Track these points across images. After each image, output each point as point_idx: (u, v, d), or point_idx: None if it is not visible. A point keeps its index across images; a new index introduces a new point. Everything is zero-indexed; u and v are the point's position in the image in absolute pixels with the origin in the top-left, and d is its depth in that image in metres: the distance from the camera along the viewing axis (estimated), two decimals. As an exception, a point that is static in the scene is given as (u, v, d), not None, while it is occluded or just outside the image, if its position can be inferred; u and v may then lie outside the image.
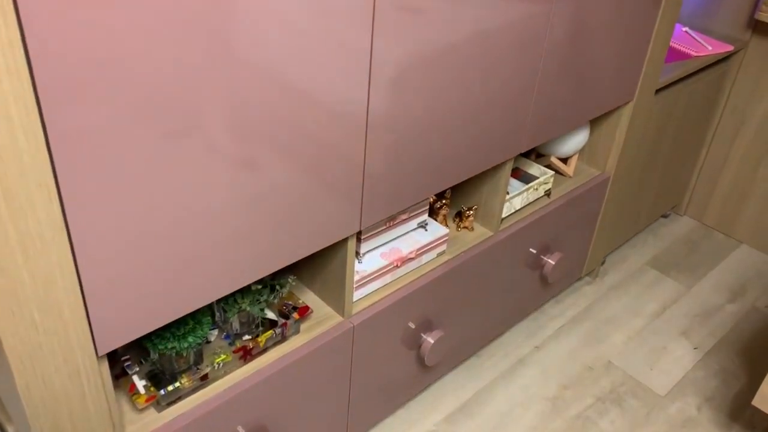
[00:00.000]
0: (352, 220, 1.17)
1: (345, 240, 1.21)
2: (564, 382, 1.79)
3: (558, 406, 1.73)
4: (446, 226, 1.57)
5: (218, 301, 1.21)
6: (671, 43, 2.03)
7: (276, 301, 1.25)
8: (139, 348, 1.16)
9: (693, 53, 1.97)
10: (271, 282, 1.23)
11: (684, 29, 2.14)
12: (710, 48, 2.01)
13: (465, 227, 1.59)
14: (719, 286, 2.17)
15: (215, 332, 1.24)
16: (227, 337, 1.23)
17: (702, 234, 2.42)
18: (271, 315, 1.28)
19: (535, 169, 1.74)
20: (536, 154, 1.83)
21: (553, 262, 1.78)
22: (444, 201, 1.53)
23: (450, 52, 1.16)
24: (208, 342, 1.23)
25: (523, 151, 1.48)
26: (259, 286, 1.22)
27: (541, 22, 1.30)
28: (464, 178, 1.37)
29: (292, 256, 1.12)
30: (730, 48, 2.04)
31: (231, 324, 1.22)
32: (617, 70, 1.61)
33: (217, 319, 1.23)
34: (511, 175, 1.72)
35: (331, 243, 1.17)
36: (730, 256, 2.32)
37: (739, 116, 2.24)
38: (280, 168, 1.00)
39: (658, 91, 1.85)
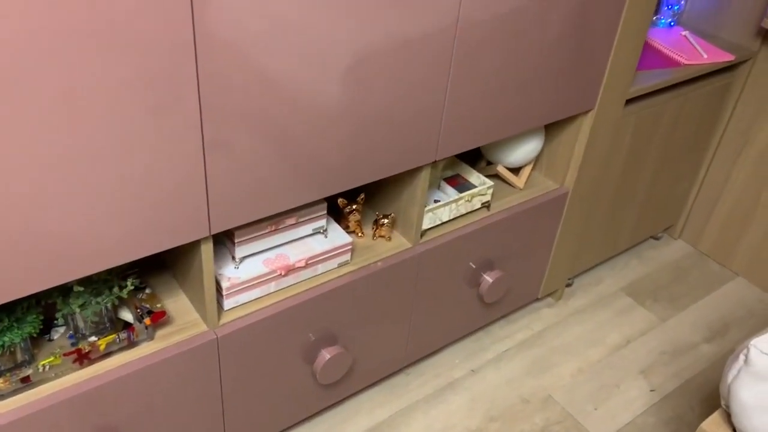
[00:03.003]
0: (198, 223, 1.05)
1: (198, 242, 1.09)
2: (492, 414, 1.63)
3: (480, 440, 1.57)
4: (360, 233, 1.43)
5: (64, 296, 1.11)
6: (662, 48, 1.82)
7: (129, 300, 1.15)
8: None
9: (684, 61, 1.75)
10: (111, 282, 1.12)
11: (683, 33, 1.91)
12: (706, 56, 1.78)
13: (381, 236, 1.44)
14: (699, 322, 1.96)
15: (61, 330, 1.15)
16: (71, 336, 1.13)
17: (694, 261, 2.19)
18: (128, 317, 1.18)
19: (475, 177, 1.57)
20: (486, 162, 1.67)
21: (490, 280, 1.61)
22: (355, 206, 1.39)
23: (350, 52, 1.02)
24: (51, 340, 1.14)
25: (438, 159, 1.32)
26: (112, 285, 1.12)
27: (447, 21, 1.14)
28: (358, 184, 1.23)
29: (131, 254, 1.01)
30: (731, 57, 1.81)
31: (75, 323, 1.12)
32: (570, 75, 1.43)
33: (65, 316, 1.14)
34: (450, 183, 1.57)
35: (179, 244, 1.05)
36: (721, 289, 2.09)
37: (744, 134, 2.00)
38: (122, 157, 0.89)
39: (631, 100, 1.65)
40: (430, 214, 1.44)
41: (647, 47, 1.82)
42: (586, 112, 1.55)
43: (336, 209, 1.41)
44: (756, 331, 1.94)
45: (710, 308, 2.01)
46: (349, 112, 1.13)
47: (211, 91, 0.95)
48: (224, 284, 1.20)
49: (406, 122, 1.22)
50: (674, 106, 1.78)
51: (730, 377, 1.19)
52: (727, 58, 1.80)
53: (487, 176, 1.66)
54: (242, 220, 1.11)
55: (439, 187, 1.57)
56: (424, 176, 1.35)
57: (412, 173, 1.36)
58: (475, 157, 1.70)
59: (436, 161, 1.33)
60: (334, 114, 1.11)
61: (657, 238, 2.27)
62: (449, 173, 1.60)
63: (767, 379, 1.13)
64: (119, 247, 0.99)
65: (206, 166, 1.00)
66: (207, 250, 1.10)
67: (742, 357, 1.17)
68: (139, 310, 1.17)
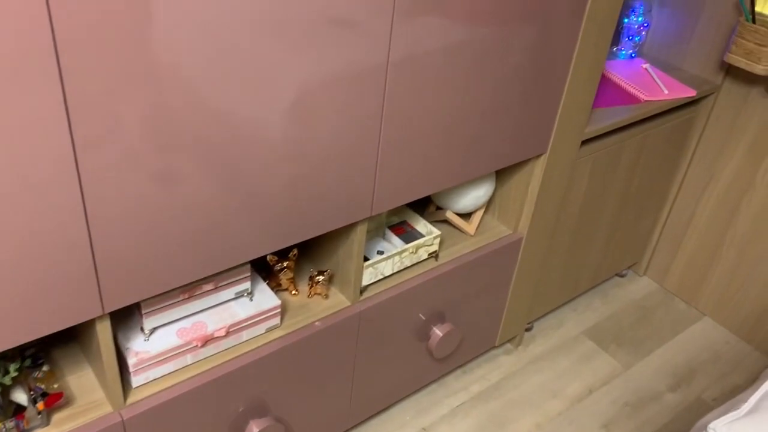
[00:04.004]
0: (87, 301, 0.92)
1: (93, 321, 0.97)
2: (443, 478, 1.52)
3: (429, 508, 1.46)
4: (294, 290, 1.31)
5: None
6: (621, 83, 1.73)
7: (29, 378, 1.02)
8: None
9: (644, 97, 1.67)
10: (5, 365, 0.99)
11: (644, 65, 1.83)
12: (667, 92, 1.70)
13: (317, 293, 1.33)
14: (664, 368, 1.86)
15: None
16: (-47, 425, 1.00)
17: (660, 300, 2.10)
18: (22, 398, 1.05)
19: (422, 225, 1.46)
20: (436, 206, 1.56)
21: (440, 335, 1.50)
22: (286, 263, 1.27)
23: (279, 98, 0.90)
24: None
25: (374, 214, 1.21)
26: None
27: (375, 61, 1.03)
28: (282, 247, 1.11)
29: (18, 338, 0.88)
30: (692, 93, 1.72)
31: (-45, 411, 0.99)
32: (518, 119, 1.33)
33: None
34: (396, 231, 1.45)
35: (63, 328, 0.92)
36: (687, 331, 2.00)
37: (708, 170, 1.92)
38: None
39: (588, 140, 1.56)
40: (371, 269, 1.33)
41: (606, 82, 1.74)
42: (538, 156, 1.45)
43: (266, 265, 1.29)
44: (721, 377, 1.85)
45: (675, 352, 1.92)
46: (272, 169, 1.01)
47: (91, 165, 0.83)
48: (131, 360, 1.07)
49: (335, 175, 1.10)
50: (634, 143, 1.69)
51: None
52: (689, 93, 1.72)
53: (437, 222, 1.55)
54: (144, 294, 0.98)
55: (384, 236, 1.46)
56: (361, 231, 1.23)
57: (347, 228, 1.25)
58: (425, 201, 1.59)
59: (372, 216, 1.22)
60: (256, 170, 0.99)
61: (622, 276, 2.18)
62: (395, 220, 1.49)
63: (730, 460, 1.03)
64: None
65: (91, 233, 0.88)
66: (104, 329, 0.97)
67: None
68: (32, 393, 1.03)
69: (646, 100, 1.66)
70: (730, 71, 1.79)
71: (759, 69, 1.63)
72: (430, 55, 1.09)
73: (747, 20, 1.64)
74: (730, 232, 1.92)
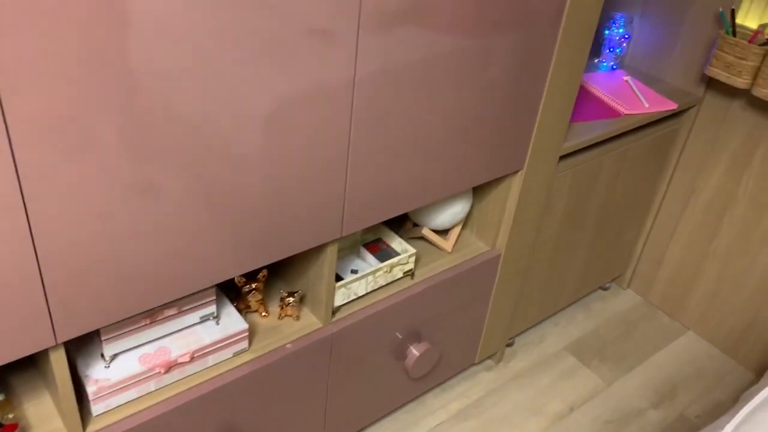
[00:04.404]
0: (37, 330, 0.89)
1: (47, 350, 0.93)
2: (420, 501, 1.49)
3: None
4: (264, 312, 1.28)
5: None
6: (601, 96, 1.71)
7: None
8: None
9: (624, 111, 1.64)
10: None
11: (625, 78, 1.81)
12: (647, 105, 1.68)
13: (288, 315, 1.29)
14: (646, 385, 1.84)
15: None
16: None
17: (643, 314, 2.08)
18: (-25, 429, 1.01)
19: (397, 243, 1.43)
20: (413, 223, 1.53)
21: (416, 354, 1.47)
22: (255, 284, 1.23)
23: (247, 116, 0.87)
24: None
25: (345, 234, 1.18)
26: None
27: (341, 76, 1.00)
28: (249, 270, 1.08)
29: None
30: (673, 106, 1.70)
31: None
32: (493, 136, 1.30)
33: None
34: (370, 249, 1.42)
35: (10, 360, 0.89)
36: (671, 346, 1.97)
37: (690, 183, 1.90)
38: None
39: (566, 156, 1.53)
40: (343, 289, 1.29)
41: (586, 95, 1.71)
42: (515, 172, 1.42)
43: (235, 286, 1.26)
44: (705, 393, 1.82)
45: (658, 367, 1.90)
46: (236, 190, 0.98)
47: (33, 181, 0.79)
48: (90, 388, 1.03)
49: (302, 196, 1.07)
50: (615, 157, 1.67)
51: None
52: (670, 107, 1.70)
53: (414, 238, 1.53)
54: (101, 322, 0.95)
55: (358, 254, 1.43)
56: (331, 251, 1.20)
57: (317, 248, 1.21)
58: (402, 217, 1.56)
59: (342, 237, 1.19)
60: (219, 191, 0.96)
61: (605, 289, 2.15)
62: (370, 237, 1.46)
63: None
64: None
65: (40, 262, 0.84)
66: (58, 359, 0.94)
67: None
68: (-15, 424, 1.00)
69: (627, 114, 1.64)
70: (712, 84, 1.77)
71: (739, 82, 1.61)
72: (401, 71, 1.06)
73: (727, 33, 1.62)
74: (714, 245, 1.90)
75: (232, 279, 1.24)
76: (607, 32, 1.84)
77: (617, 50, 1.85)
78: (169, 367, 1.11)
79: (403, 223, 1.55)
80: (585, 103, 1.67)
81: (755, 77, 1.59)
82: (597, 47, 1.91)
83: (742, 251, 1.84)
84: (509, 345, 1.89)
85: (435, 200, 1.30)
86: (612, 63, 1.87)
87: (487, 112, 1.26)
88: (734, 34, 1.62)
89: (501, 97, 1.25)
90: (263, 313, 1.28)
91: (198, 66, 0.84)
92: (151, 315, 1.07)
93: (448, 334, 1.58)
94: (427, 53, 1.08)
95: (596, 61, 1.90)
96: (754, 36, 1.58)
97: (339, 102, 1.01)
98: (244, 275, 1.25)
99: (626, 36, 1.84)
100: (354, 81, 1.01)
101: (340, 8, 0.93)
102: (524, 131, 1.36)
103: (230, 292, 1.27)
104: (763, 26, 1.60)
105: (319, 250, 1.21)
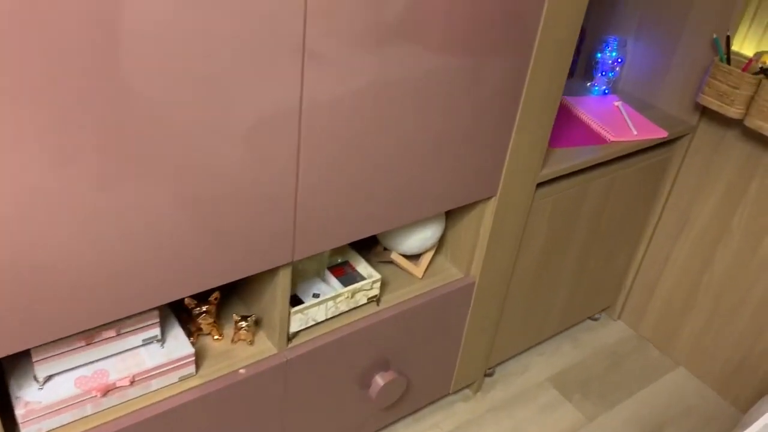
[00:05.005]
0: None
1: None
2: None
3: None
4: (218, 335, 1.24)
5: None
6: (589, 122, 1.65)
7: None
8: None
9: (610, 138, 1.58)
10: None
11: (616, 103, 1.75)
12: (636, 132, 1.62)
13: (242, 340, 1.25)
14: (630, 422, 1.76)
15: None
16: None
17: (633, 347, 2.00)
18: None
19: (363, 267, 1.38)
20: (384, 246, 1.48)
21: (382, 383, 1.42)
22: (206, 306, 1.19)
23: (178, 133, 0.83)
24: None
25: (297, 259, 1.13)
26: None
27: (288, 95, 0.96)
28: (191, 293, 1.04)
29: None
30: (663, 134, 1.64)
31: None
32: (462, 162, 1.25)
33: None
34: (335, 272, 1.38)
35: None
36: (659, 382, 1.89)
37: (683, 213, 1.83)
38: None
39: (546, 183, 1.48)
40: (300, 315, 1.25)
41: (572, 120, 1.66)
42: (489, 198, 1.37)
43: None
44: (692, 434, 1.75)
45: (645, 403, 1.82)
46: (181, 210, 0.94)
47: None
48: (19, 411, 0.99)
49: (250, 219, 1.03)
50: (601, 185, 1.61)
51: None
52: (660, 135, 1.64)
53: (385, 262, 1.48)
54: (31, 342, 0.91)
55: (323, 277, 1.38)
56: (284, 275, 1.16)
57: (271, 271, 1.17)
58: (373, 240, 1.52)
59: (294, 261, 1.14)
60: (161, 211, 0.92)
61: (595, 319, 2.08)
62: (338, 260, 1.41)
63: None
64: None
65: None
66: (-23, 380, 0.90)
67: None
68: None
69: (613, 141, 1.58)
70: (706, 112, 1.71)
71: (732, 112, 1.54)
72: (355, 96, 1.02)
73: (721, 60, 1.56)
74: (706, 279, 1.82)
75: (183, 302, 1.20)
76: (599, 56, 1.78)
77: (610, 74, 1.79)
78: (107, 391, 1.07)
79: (374, 246, 1.50)
80: (570, 129, 1.61)
81: (749, 107, 1.52)
82: (589, 71, 1.85)
83: (734, 286, 1.76)
84: (489, 375, 1.82)
85: (399, 225, 1.25)
86: (604, 87, 1.81)
87: (455, 138, 1.21)
88: (728, 61, 1.55)
89: (469, 122, 1.21)
90: (216, 337, 1.24)
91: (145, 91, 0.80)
92: (88, 336, 1.03)
93: (419, 362, 1.53)
94: (386, 76, 1.04)
95: (588, 84, 1.84)
96: (747, 64, 1.51)
97: (285, 130, 0.97)
98: (196, 297, 1.21)
99: (619, 60, 1.78)
100: (300, 107, 0.97)
101: (283, 35, 0.89)
102: (496, 157, 1.30)
103: (184, 313, 1.23)
104: (759, 54, 1.54)
105: (273, 273, 1.17)
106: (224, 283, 1.07)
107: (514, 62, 1.19)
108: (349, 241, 1.19)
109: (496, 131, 1.26)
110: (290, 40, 0.90)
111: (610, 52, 1.77)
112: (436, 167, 1.22)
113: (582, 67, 1.90)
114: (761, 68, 1.49)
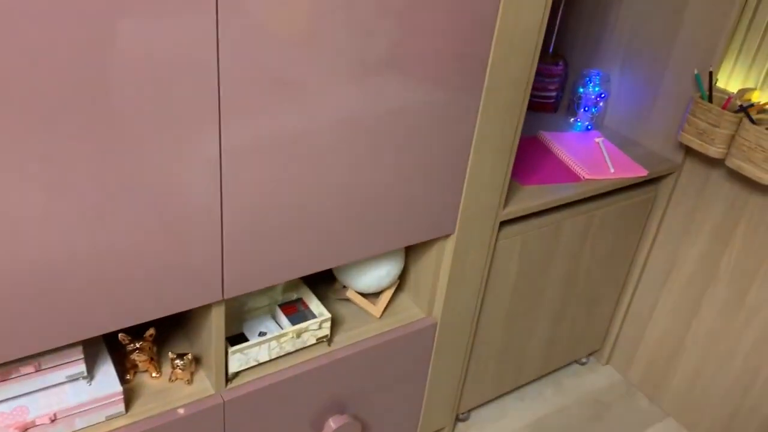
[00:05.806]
0: None
1: None
2: None
3: None
4: (156, 372, 1.20)
5: None
6: (565, 159, 1.59)
7: None
8: None
9: (585, 176, 1.52)
10: None
11: (597, 139, 1.69)
12: (613, 170, 1.55)
13: (179, 378, 1.21)
14: (610, 476, 1.66)
15: None
16: None
17: (620, 394, 1.90)
18: None
19: (315, 305, 1.33)
20: (343, 284, 1.43)
21: (334, 427, 1.36)
22: (140, 343, 1.15)
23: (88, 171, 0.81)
24: None
25: (228, 297, 1.09)
26: None
27: (207, 158, 0.93)
28: (113, 329, 1.00)
29: None
30: (643, 173, 1.57)
31: None
32: (412, 199, 1.20)
33: None
34: (286, 310, 1.33)
35: None
36: (645, 432, 1.79)
37: (671, 254, 1.75)
38: None
39: (513, 221, 1.42)
40: (240, 354, 1.20)
41: (547, 157, 1.60)
42: (447, 236, 1.32)
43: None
44: (677, 491, 1.64)
45: (628, 456, 1.72)
46: (100, 242, 0.91)
47: None
48: (-73, 448, 0.96)
49: (170, 254, 0.99)
50: (577, 224, 1.54)
51: None
52: (640, 173, 1.57)
53: (343, 300, 1.43)
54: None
55: (273, 315, 1.33)
56: (216, 314, 1.11)
57: (203, 309, 1.13)
58: (333, 276, 1.47)
59: (225, 299, 1.10)
60: (81, 242, 0.89)
61: (582, 363, 1.99)
62: (292, 297, 1.37)
63: None
64: None
65: None
66: None
67: None
68: None
69: (588, 179, 1.52)
70: (691, 150, 1.63)
71: (712, 151, 1.47)
72: (282, 137, 0.99)
73: (702, 97, 1.49)
74: (695, 325, 1.73)
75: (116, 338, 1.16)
76: (581, 90, 1.73)
77: (593, 110, 1.74)
78: (25, 429, 1.03)
79: (334, 283, 1.45)
80: (543, 165, 1.55)
81: (729, 146, 1.45)
82: (572, 106, 1.80)
83: (723, 334, 1.66)
84: (462, 420, 1.74)
85: (342, 263, 1.20)
86: (587, 123, 1.75)
87: (405, 177, 1.16)
88: (711, 98, 1.49)
89: (420, 161, 1.16)
90: (154, 374, 1.20)
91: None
92: (4, 372, 1.00)
93: (381, 406, 1.46)
94: (330, 114, 1.00)
95: (572, 120, 1.78)
96: (727, 101, 1.44)
97: (205, 176, 0.94)
98: (131, 333, 1.17)
99: (602, 95, 1.72)
100: (220, 151, 0.94)
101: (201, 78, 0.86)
102: (451, 194, 1.25)
103: (120, 349, 1.20)
104: (742, 91, 1.47)
105: (207, 310, 1.13)
106: (150, 319, 1.03)
107: (463, 100, 1.15)
108: (287, 279, 1.14)
109: (449, 169, 1.21)
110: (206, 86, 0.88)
111: (593, 87, 1.72)
112: (386, 204, 1.18)
113: (565, 102, 1.85)
114: (741, 106, 1.42)
